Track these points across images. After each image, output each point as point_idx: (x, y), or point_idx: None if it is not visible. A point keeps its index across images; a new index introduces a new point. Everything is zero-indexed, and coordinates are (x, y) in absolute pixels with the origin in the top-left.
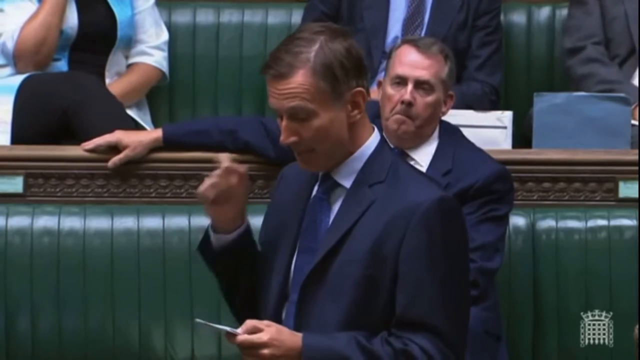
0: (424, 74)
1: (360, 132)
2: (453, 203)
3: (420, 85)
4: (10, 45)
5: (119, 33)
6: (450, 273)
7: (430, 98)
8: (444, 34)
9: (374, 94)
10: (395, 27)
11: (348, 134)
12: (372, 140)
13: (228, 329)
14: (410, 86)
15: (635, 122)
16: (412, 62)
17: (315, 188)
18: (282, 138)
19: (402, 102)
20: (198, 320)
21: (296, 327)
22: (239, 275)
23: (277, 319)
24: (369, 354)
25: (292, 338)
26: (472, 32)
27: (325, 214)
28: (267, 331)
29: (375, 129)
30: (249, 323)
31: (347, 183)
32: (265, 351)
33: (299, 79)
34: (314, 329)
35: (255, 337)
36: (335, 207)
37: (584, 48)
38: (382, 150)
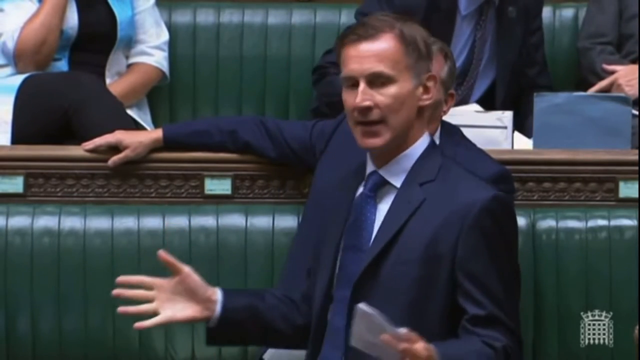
0: None
1: (414, 132)
2: (506, 200)
3: None
4: (10, 45)
5: (119, 33)
6: (508, 267)
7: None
8: (509, 62)
9: None
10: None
11: (414, 121)
12: (423, 141)
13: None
14: None
15: (636, 113)
16: None
17: (362, 186)
18: (357, 100)
19: None
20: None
21: (347, 327)
22: (261, 331)
23: (323, 317)
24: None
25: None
26: (527, 37)
27: (371, 212)
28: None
29: (426, 132)
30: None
31: (396, 181)
32: None
33: (385, 42)
34: None
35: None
36: (383, 205)
37: (592, 49)
38: (432, 150)
